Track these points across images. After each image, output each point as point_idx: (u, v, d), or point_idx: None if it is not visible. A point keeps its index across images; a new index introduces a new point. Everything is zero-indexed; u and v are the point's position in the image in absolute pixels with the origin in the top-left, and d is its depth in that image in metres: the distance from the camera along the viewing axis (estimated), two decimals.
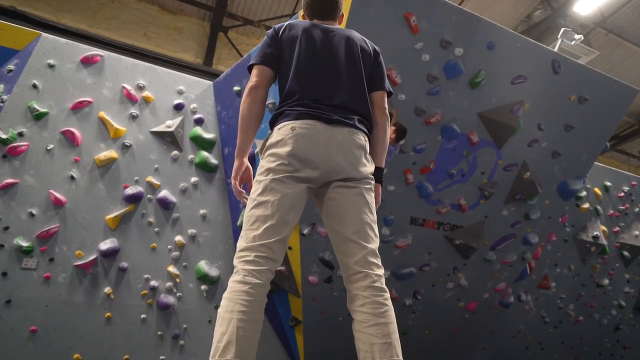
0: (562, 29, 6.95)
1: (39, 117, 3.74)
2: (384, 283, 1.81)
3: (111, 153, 3.89)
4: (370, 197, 1.93)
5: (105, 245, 3.67)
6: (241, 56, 8.08)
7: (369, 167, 1.95)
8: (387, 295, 1.79)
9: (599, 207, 5.87)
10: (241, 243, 1.80)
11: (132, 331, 3.62)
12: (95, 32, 7.64)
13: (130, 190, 3.84)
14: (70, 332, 3.44)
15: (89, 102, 3.93)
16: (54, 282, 3.46)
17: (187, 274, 3.93)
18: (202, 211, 4.13)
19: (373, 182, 1.97)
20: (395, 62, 3.39)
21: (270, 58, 2.03)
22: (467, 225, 4.23)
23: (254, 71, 2.02)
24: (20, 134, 3.67)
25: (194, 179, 4.15)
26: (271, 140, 1.92)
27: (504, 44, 3.65)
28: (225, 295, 1.71)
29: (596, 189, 5.89)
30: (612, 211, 6.05)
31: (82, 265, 3.55)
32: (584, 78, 4.05)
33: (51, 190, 3.63)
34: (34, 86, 3.79)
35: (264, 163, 1.89)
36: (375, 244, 1.87)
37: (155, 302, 3.74)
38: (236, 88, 4.39)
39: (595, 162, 5.10)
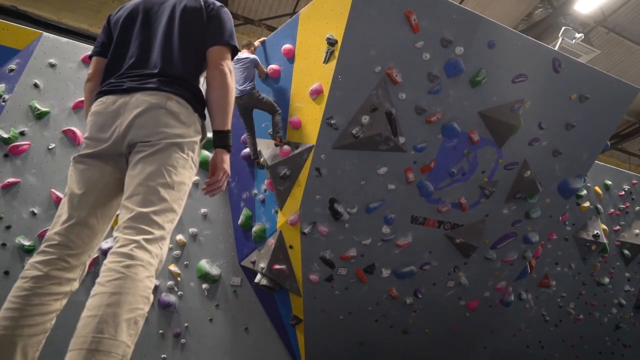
0: (563, 28, 6.93)
1: (40, 116, 3.74)
2: (135, 248, 1.56)
3: None
4: (168, 158, 1.68)
5: (107, 244, 3.67)
6: None
7: (176, 129, 1.72)
8: (130, 262, 1.53)
9: (599, 206, 5.88)
10: None
11: None
12: (96, 32, 7.63)
13: None
14: (71, 331, 3.43)
15: None
16: None
17: (188, 273, 3.94)
18: (203, 210, 4.14)
19: (185, 142, 1.74)
20: (396, 60, 3.39)
21: (102, 47, 1.97)
22: (468, 224, 4.24)
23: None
24: (22, 133, 3.68)
25: (194, 178, 4.15)
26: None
27: (504, 42, 3.65)
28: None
29: (597, 188, 5.89)
30: (612, 210, 6.06)
31: None
32: (585, 77, 4.05)
33: (53, 190, 3.63)
34: (35, 85, 3.80)
35: None
36: (154, 207, 1.61)
37: (157, 300, 3.74)
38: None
39: (596, 161, 5.10)
